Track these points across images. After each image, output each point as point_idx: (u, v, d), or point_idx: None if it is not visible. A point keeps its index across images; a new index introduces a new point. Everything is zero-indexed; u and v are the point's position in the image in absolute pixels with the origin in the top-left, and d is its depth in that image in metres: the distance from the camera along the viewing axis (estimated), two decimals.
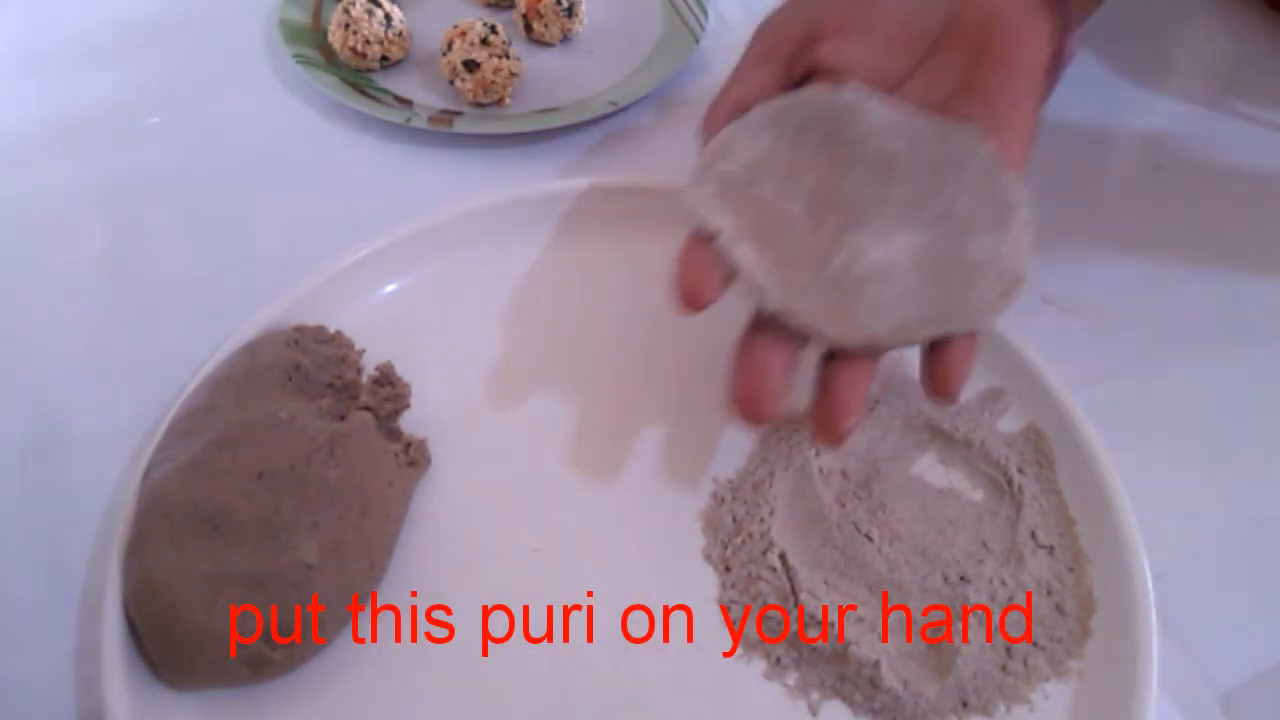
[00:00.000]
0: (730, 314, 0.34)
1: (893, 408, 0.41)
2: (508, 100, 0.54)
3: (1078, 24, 0.40)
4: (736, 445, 0.40)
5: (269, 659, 0.33)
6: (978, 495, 0.39)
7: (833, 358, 0.32)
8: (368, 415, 0.38)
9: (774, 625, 0.35)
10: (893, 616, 0.35)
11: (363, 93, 0.53)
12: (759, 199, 0.34)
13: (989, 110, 0.35)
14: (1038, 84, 0.37)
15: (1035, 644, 0.35)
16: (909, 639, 0.35)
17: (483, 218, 0.46)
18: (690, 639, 0.36)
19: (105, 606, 0.33)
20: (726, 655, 0.35)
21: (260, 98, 0.55)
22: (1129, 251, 0.49)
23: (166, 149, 0.52)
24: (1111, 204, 0.51)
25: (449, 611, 0.36)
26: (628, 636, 0.35)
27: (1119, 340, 0.45)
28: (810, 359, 0.33)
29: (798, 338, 0.32)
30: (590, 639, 0.35)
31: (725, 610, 0.36)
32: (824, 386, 0.32)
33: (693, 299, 0.32)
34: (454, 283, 0.45)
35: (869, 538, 0.37)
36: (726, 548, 0.37)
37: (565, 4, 0.57)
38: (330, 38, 0.55)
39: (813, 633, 0.35)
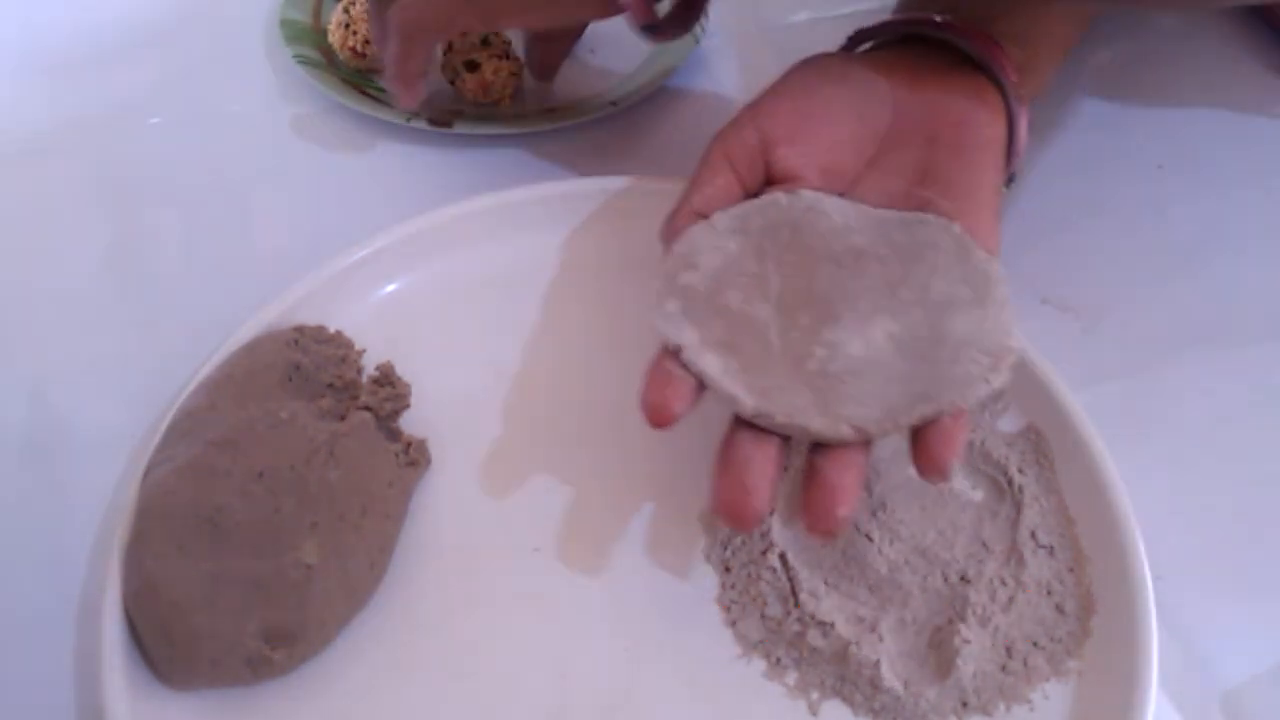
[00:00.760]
0: None
1: None
2: (508, 100, 0.54)
3: (1030, 98, 0.40)
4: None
5: (269, 659, 0.33)
6: (978, 495, 0.39)
7: (820, 447, 0.32)
8: (368, 415, 0.38)
9: (774, 625, 0.35)
10: (893, 617, 0.35)
11: (363, 93, 0.53)
12: (725, 307, 0.34)
13: (949, 193, 0.36)
14: (995, 161, 0.38)
15: (1035, 644, 0.35)
16: (909, 639, 0.35)
17: (483, 218, 0.46)
18: (690, 639, 0.36)
19: (105, 606, 0.33)
20: (726, 655, 0.35)
21: (260, 98, 0.55)
22: (1129, 251, 0.49)
23: (166, 149, 0.52)
24: (1111, 204, 0.51)
25: (449, 612, 0.36)
26: (628, 636, 0.36)
27: (1119, 340, 0.45)
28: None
29: (780, 437, 0.32)
30: (590, 639, 0.35)
31: (725, 610, 0.36)
32: (812, 474, 0.31)
33: (658, 415, 0.31)
34: (454, 283, 0.45)
35: (869, 538, 0.37)
36: (726, 548, 0.37)
37: None
38: (330, 38, 0.55)
39: (813, 633, 0.35)
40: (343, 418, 0.38)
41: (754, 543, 0.37)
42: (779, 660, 0.35)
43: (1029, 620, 0.36)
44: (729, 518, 0.31)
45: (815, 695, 0.34)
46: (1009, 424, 0.41)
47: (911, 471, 0.40)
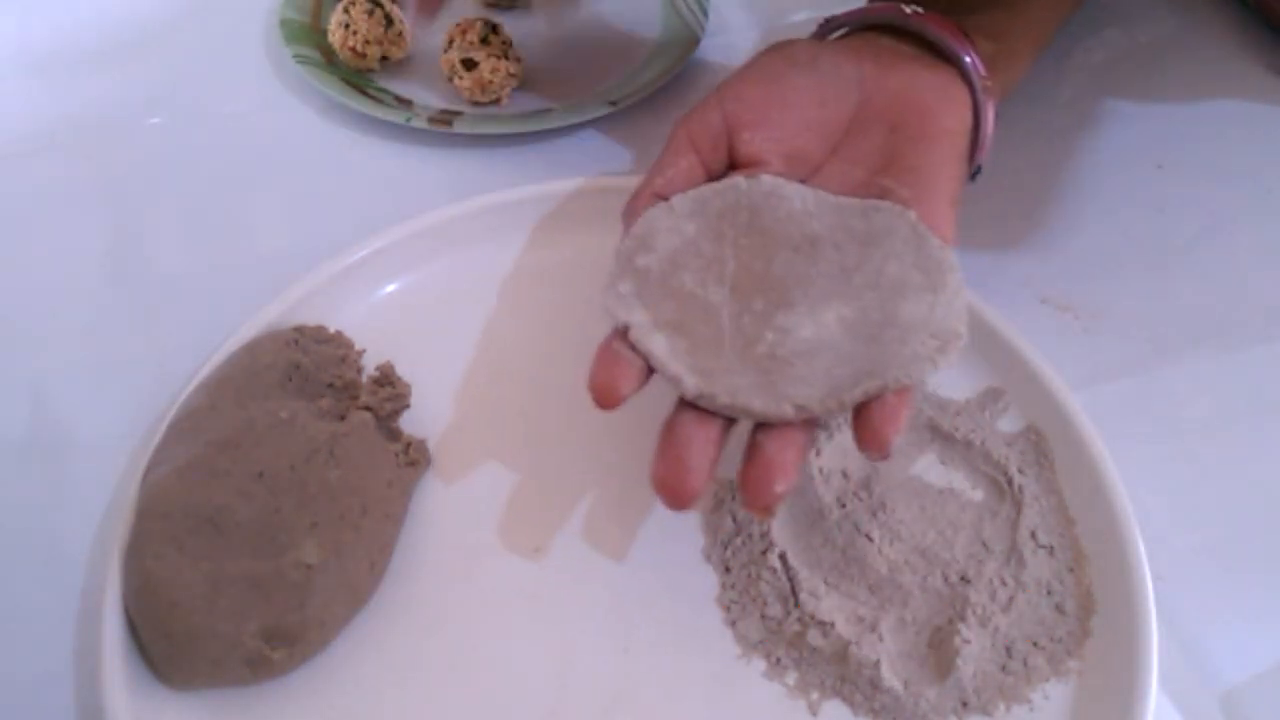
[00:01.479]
0: None
1: None
2: (505, 100, 0.54)
3: (1003, 92, 0.40)
4: (737, 446, 0.40)
5: (269, 659, 0.33)
6: (978, 495, 0.39)
7: (764, 426, 0.32)
8: (368, 415, 0.38)
9: (774, 625, 0.35)
10: (893, 616, 0.35)
11: (363, 93, 0.53)
12: (678, 289, 0.34)
13: (908, 180, 0.36)
14: (956, 152, 0.38)
15: (1035, 644, 0.35)
16: (909, 639, 0.35)
17: (483, 218, 0.46)
18: (690, 639, 0.36)
19: (105, 606, 0.33)
20: (726, 655, 0.35)
21: (260, 98, 0.55)
22: (1129, 251, 0.49)
23: (166, 149, 0.52)
24: (1111, 204, 0.51)
25: (448, 611, 0.36)
26: (627, 637, 0.36)
27: (1119, 340, 0.45)
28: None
29: (723, 418, 0.32)
30: (590, 639, 0.35)
31: (725, 610, 0.36)
32: (753, 451, 0.31)
33: (605, 396, 0.32)
34: (454, 283, 0.45)
35: (869, 538, 0.37)
36: (726, 548, 0.37)
37: None
38: (330, 38, 0.55)
39: (813, 633, 0.35)
40: (343, 418, 0.38)
41: (754, 543, 0.37)
42: (779, 660, 0.35)
43: (1029, 620, 0.36)
44: (666, 495, 0.31)
45: (815, 695, 0.34)
46: (1009, 424, 0.41)
47: (912, 471, 0.40)
